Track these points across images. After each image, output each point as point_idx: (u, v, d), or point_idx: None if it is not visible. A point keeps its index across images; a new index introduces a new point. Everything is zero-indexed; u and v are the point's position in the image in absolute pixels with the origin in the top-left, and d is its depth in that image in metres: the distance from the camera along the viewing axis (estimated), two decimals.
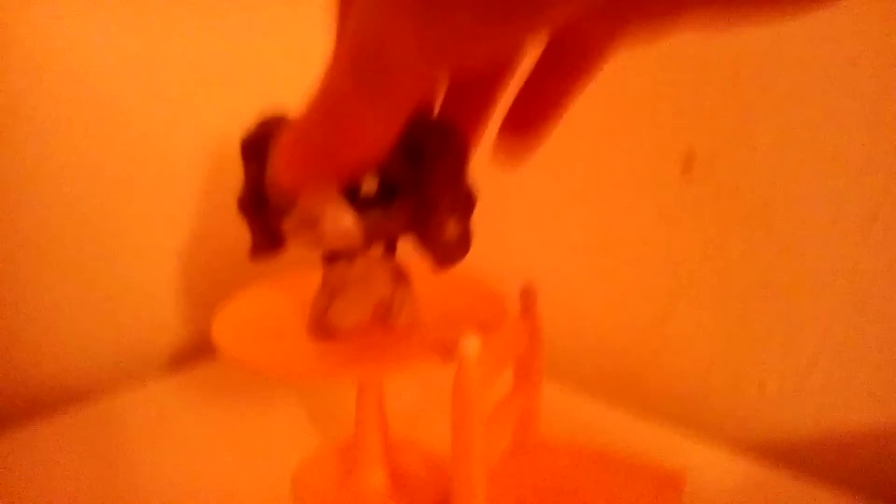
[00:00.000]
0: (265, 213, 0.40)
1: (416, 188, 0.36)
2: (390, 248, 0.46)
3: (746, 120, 0.59)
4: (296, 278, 0.60)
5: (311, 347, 0.47)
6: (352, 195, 0.35)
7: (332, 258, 0.45)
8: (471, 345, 0.40)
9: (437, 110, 0.35)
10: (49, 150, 0.69)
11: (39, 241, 0.70)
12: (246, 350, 0.47)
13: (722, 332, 0.64)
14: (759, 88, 0.58)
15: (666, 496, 0.47)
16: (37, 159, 0.68)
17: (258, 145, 0.39)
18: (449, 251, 0.38)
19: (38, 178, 0.69)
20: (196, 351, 0.84)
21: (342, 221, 0.35)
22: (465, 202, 0.38)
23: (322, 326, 0.47)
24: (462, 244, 0.38)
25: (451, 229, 0.37)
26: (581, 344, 0.75)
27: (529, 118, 0.32)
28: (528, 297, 0.50)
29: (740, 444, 0.64)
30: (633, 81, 0.64)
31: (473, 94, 0.33)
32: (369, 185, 0.35)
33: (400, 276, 0.48)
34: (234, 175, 0.42)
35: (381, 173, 0.35)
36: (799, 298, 0.59)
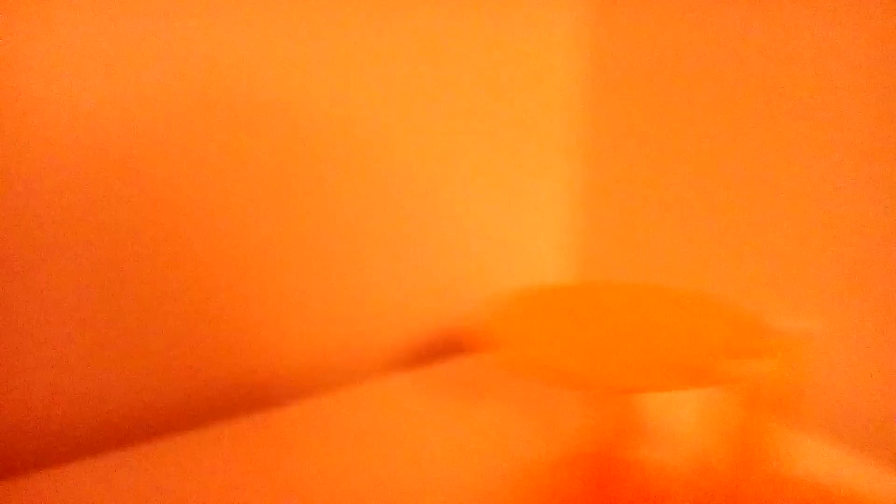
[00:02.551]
0: None
1: None
2: None
3: None
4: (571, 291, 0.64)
5: (575, 355, 0.50)
6: None
7: None
8: (755, 370, 0.41)
9: None
10: (326, 163, 0.77)
11: (285, 238, 0.78)
12: (515, 349, 0.51)
13: None
14: None
15: None
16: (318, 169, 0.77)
17: None
18: None
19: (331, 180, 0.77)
20: (436, 350, 0.90)
21: None
22: None
23: None
24: None
25: None
26: (833, 389, 0.71)
27: None
28: (797, 338, 0.49)
29: None
30: None
31: None
32: None
33: None
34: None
35: None
36: None
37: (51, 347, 0.66)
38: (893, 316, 0.65)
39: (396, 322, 0.87)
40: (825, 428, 0.70)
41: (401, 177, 0.83)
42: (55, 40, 0.61)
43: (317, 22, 0.73)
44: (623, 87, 0.87)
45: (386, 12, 0.77)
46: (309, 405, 0.75)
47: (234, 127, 0.71)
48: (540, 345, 0.53)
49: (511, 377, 0.81)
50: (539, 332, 0.55)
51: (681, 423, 0.71)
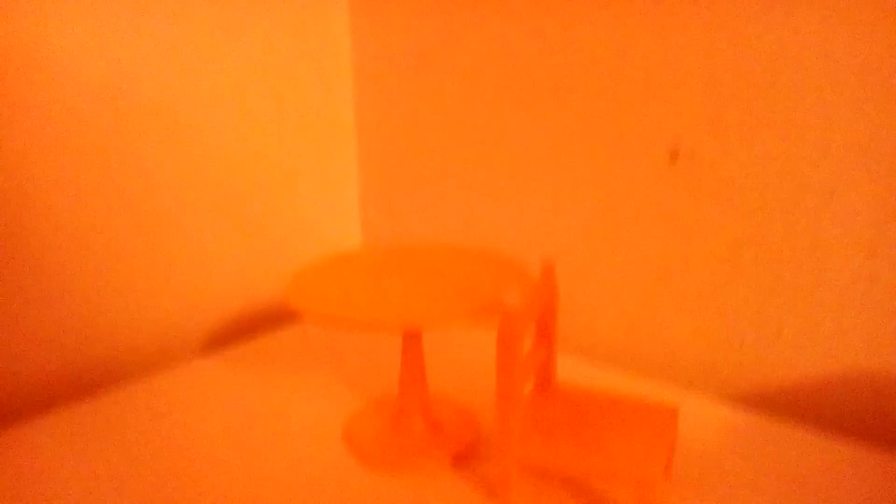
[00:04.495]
0: None
1: None
2: None
3: (725, 112, 0.70)
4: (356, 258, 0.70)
5: (364, 303, 0.57)
6: None
7: None
8: (513, 298, 0.50)
9: None
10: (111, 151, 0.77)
11: (89, 230, 0.78)
12: (314, 306, 0.57)
13: (707, 302, 0.75)
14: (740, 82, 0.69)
15: (664, 422, 0.57)
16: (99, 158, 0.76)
17: None
18: None
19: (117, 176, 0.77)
20: (235, 332, 0.93)
21: None
22: None
23: None
24: None
25: None
26: (584, 313, 0.85)
27: None
28: (546, 269, 0.59)
29: (725, 393, 0.75)
30: (624, 77, 0.75)
31: None
32: None
33: None
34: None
35: None
36: (766, 273, 0.70)
37: None
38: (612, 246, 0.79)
39: (201, 305, 0.89)
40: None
41: (194, 167, 0.86)
42: None
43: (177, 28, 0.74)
44: (386, 78, 0.95)
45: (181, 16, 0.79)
46: (122, 393, 0.76)
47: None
48: (338, 301, 0.59)
49: (317, 341, 0.87)
50: (336, 292, 0.61)
51: (465, 359, 0.81)
